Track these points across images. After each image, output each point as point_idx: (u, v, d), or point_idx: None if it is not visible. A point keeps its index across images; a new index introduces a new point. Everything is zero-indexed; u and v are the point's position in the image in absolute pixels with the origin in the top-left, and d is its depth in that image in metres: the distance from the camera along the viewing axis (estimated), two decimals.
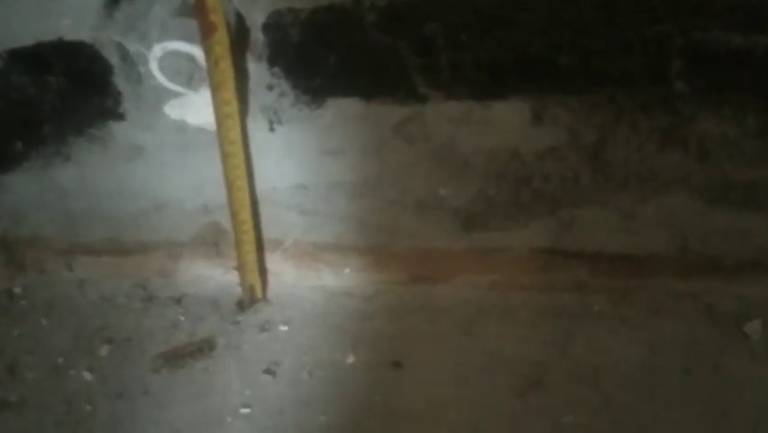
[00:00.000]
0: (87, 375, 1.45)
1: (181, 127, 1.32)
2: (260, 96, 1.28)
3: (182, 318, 1.55)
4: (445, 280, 1.57)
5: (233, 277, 1.57)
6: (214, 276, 1.59)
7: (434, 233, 1.49)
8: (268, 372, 1.45)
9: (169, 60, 1.18)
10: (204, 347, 1.49)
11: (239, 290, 1.57)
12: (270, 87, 1.26)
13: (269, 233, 1.51)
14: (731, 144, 1.27)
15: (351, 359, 1.47)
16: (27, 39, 1.22)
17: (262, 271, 1.55)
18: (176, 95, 1.26)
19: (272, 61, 1.23)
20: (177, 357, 1.47)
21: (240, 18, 1.18)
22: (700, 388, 1.41)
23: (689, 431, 1.34)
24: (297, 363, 1.47)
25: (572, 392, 1.41)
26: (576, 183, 1.36)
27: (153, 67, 1.18)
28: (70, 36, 1.21)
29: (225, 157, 1.31)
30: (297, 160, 1.38)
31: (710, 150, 1.28)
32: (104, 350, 1.50)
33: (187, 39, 1.15)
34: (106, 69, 1.25)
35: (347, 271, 1.57)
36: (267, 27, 1.18)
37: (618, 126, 1.26)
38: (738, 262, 1.46)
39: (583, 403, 1.39)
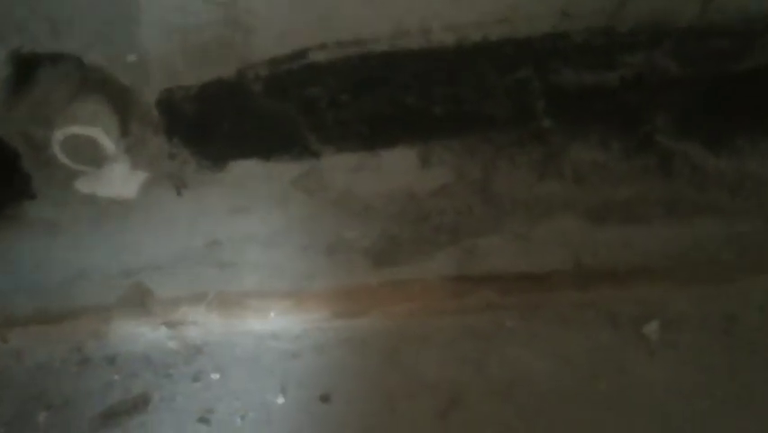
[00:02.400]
0: None
1: (93, 200, 1.39)
2: (163, 164, 1.36)
3: (116, 377, 1.61)
4: (366, 313, 1.65)
5: (163, 332, 1.64)
6: (144, 333, 1.65)
7: (348, 271, 1.58)
8: (202, 420, 1.52)
9: (70, 143, 1.25)
10: (139, 403, 1.55)
11: (170, 343, 1.65)
12: (172, 156, 1.34)
13: (191, 288, 1.59)
14: (602, 168, 1.39)
15: (281, 399, 1.55)
16: None
17: None
18: (84, 172, 1.33)
19: (170, 133, 1.31)
20: (113, 416, 1.53)
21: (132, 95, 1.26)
22: (607, 390, 1.51)
23: (596, 429, 1.45)
24: (229, 409, 1.54)
25: (488, 407, 1.50)
26: (470, 215, 1.47)
27: (57, 150, 1.25)
28: None
29: None
30: (208, 219, 1.47)
31: (585, 175, 1.40)
32: (42, 416, 1.55)
33: (85, 122, 1.23)
34: (14, 155, 1.31)
35: (272, 314, 1.65)
36: (160, 103, 1.27)
37: (499, 162, 1.37)
38: (630, 271, 1.58)
39: (499, 416, 1.48)
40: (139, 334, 1.66)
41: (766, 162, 1.36)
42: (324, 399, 1.54)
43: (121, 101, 1.26)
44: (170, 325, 1.63)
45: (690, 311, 1.60)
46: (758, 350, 1.54)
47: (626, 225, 1.49)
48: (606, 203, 1.45)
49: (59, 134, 1.24)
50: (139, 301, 1.61)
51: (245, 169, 1.38)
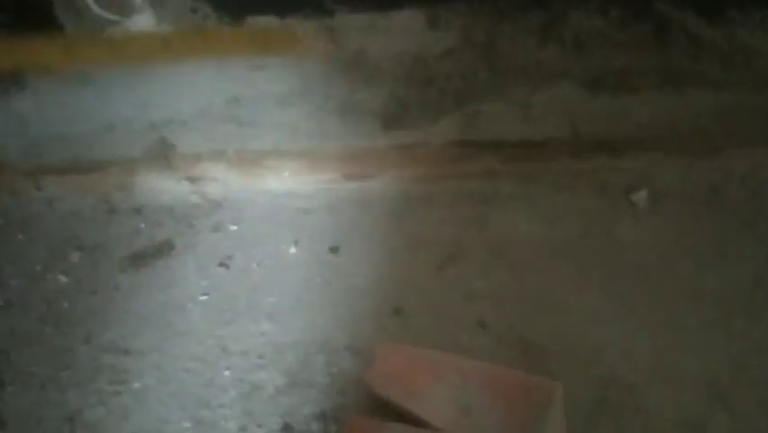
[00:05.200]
0: (63, 278, 1.65)
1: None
2: (187, 18, 1.44)
3: (142, 225, 1.74)
4: (374, 175, 1.76)
5: (185, 186, 1.77)
6: (168, 187, 1.77)
7: (358, 133, 1.68)
8: (222, 265, 1.66)
9: None
10: (164, 248, 1.69)
11: (192, 197, 1.77)
12: (195, 10, 1.42)
13: (211, 144, 1.70)
14: (600, 35, 1.45)
15: (293, 249, 1.68)
16: None
17: None
18: (113, 22, 1.42)
19: None
20: (140, 258, 1.67)
21: None
22: (593, 250, 1.61)
23: (582, 285, 1.56)
24: (246, 257, 1.67)
25: (484, 262, 1.61)
26: (474, 79, 1.55)
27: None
28: None
29: None
30: (228, 75, 1.56)
31: (584, 41, 1.47)
32: (75, 257, 1.69)
33: None
34: (49, 3, 1.40)
35: (287, 174, 1.76)
36: None
37: (502, 26, 1.45)
38: (623, 141, 1.67)
39: (492, 271, 1.59)
40: (163, 187, 1.77)
41: (756, 33, 1.43)
42: (333, 250, 1.67)
43: None
44: (192, 180, 1.75)
45: (677, 181, 1.68)
46: (738, 218, 1.62)
47: (620, 95, 1.57)
48: (603, 71, 1.52)
49: None
50: (163, 156, 1.71)
51: (262, 25, 1.46)
